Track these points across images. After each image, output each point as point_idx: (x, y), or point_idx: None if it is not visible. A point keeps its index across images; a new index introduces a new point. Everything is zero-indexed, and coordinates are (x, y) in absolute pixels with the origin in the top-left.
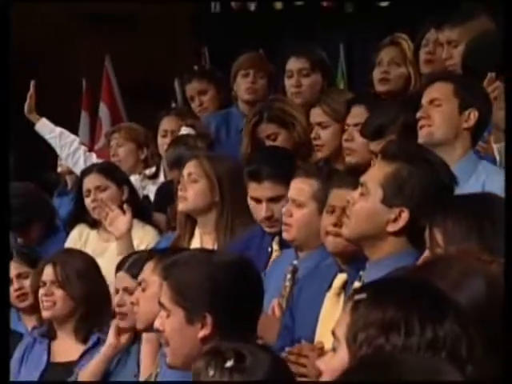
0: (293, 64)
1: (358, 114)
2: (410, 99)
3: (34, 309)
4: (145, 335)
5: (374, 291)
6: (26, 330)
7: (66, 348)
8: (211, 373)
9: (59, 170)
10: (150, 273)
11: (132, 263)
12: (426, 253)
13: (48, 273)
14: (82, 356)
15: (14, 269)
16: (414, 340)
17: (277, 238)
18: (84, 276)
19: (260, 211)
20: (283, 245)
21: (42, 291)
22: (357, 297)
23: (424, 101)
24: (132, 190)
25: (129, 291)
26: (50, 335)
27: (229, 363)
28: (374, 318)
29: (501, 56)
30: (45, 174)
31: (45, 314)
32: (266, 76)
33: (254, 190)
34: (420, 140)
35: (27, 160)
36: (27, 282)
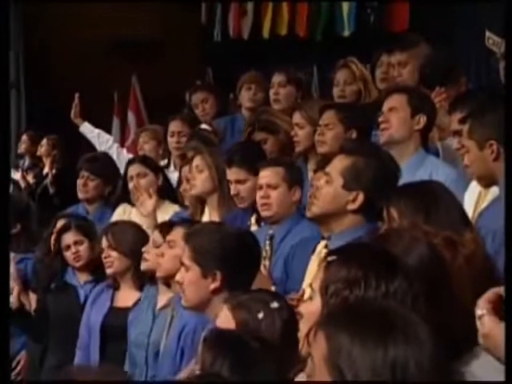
0: (274, 78)
1: (327, 116)
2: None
3: (86, 268)
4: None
5: (342, 254)
6: (78, 284)
7: (126, 296)
8: (261, 315)
9: None
10: (178, 236)
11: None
12: (385, 225)
13: (103, 240)
14: (136, 302)
15: (72, 236)
16: (371, 293)
17: (254, 216)
18: (132, 236)
19: (231, 190)
20: (258, 221)
21: (103, 255)
22: (329, 258)
23: (384, 108)
24: (166, 178)
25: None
26: (114, 286)
27: (275, 304)
28: (341, 275)
29: (448, 72)
30: None
31: (107, 271)
32: (264, 90)
33: (228, 173)
34: (382, 139)
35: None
36: (81, 247)
